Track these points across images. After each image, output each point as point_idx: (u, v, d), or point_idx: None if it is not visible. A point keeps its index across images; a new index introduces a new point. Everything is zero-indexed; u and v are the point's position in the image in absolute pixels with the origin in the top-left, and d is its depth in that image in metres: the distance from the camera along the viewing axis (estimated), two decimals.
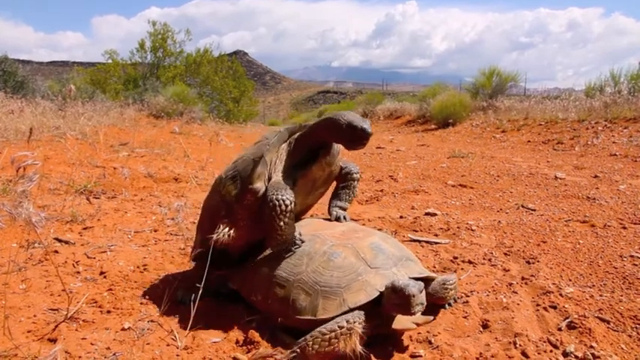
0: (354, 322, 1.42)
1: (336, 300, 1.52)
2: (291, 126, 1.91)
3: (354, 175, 2.03)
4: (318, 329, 1.42)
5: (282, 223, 1.66)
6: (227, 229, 1.74)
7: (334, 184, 2.10)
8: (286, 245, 1.73)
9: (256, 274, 1.78)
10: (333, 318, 1.48)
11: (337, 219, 2.00)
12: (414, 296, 1.41)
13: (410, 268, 1.63)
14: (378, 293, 1.49)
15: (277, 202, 1.64)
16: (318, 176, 1.86)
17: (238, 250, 1.92)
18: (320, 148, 1.79)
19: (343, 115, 1.64)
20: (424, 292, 1.48)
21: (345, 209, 2.05)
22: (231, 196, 1.78)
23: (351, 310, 1.48)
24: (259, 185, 1.73)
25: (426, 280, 1.69)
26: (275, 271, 1.71)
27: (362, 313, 1.46)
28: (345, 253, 1.63)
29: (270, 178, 1.77)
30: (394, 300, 1.45)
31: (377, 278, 1.55)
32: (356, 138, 1.63)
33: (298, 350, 1.41)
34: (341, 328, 1.40)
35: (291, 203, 1.66)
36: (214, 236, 1.72)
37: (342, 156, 2.02)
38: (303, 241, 1.75)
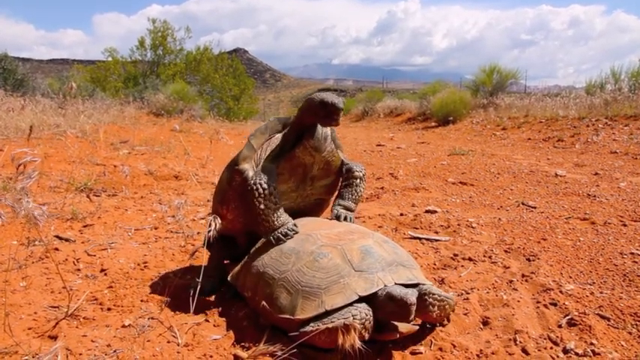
0: (363, 317, 1.43)
1: (314, 301, 1.51)
2: (284, 117, 1.99)
3: (356, 173, 2.03)
4: (330, 317, 1.44)
5: (262, 207, 1.76)
6: (217, 220, 1.81)
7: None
8: (275, 232, 1.79)
9: (248, 270, 1.80)
10: (309, 319, 1.48)
11: (337, 218, 1.99)
12: (413, 304, 1.41)
13: (398, 274, 1.60)
14: (356, 297, 1.48)
15: (254, 186, 1.76)
16: (307, 162, 1.87)
17: (241, 235, 2.01)
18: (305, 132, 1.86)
19: (318, 94, 1.76)
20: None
21: (349, 209, 2.03)
22: (226, 180, 1.93)
23: (327, 312, 1.47)
24: (245, 166, 1.86)
25: (418, 287, 1.65)
26: (264, 268, 1.72)
27: (366, 306, 1.46)
28: (331, 255, 1.62)
29: (258, 165, 1.88)
30: (391, 308, 1.46)
31: (359, 282, 1.53)
32: (328, 113, 1.71)
33: (309, 329, 1.43)
34: (353, 316, 1.42)
35: (268, 187, 1.76)
36: (209, 229, 1.79)
37: (344, 153, 2.03)
38: (296, 231, 1.80)
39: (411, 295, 1.43)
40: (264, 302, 1.63)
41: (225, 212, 1.95)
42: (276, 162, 1.85)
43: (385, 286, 1.52)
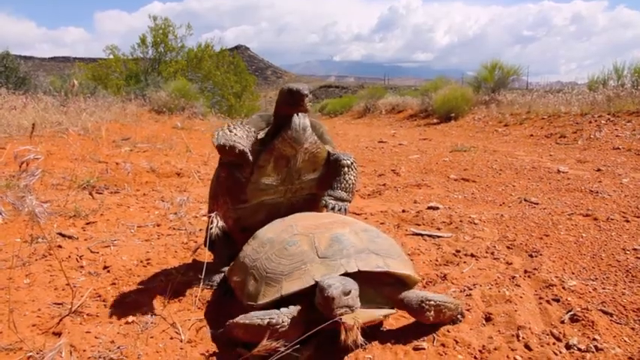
0: (282, 321, 1.39)
1: (275, 287, 1.52)
2: (266, 114, 2.01)
3: (343, 161, 2.01)
4: (253, 313, 1.43)
5: (228, 130, 1.85)
6: (219, 217, 1.83)
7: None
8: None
9: (236, 262, 1.82)
10: (268, 303, 1.49)
11: (326, 207, 1.98)
12: (333, 299, 1.35)
13: (366, 261, 1.54)
14: (313, 282, 1.46)
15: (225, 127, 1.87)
16: (289, 154, 1.88)
17: (236, 232, 2.02)
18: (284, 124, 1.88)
19: (287, 84, 1.84)
20: (355, 294, 1.43)
21: (339, 198, 2.01)
22: (215, 176, 2.01)
23: (282, 297, 1.47)
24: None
25: (402, 280, 1.62)
26: (244, 258, 1.74)
27: (293, 311, 1.43)
28: (300, 242, 1.62)
29: None
30: (318, 299, 1.40)
31: (320, 268, 1.51)
32: (294, 100, 1.80)
33: (229, 323, 1.44)
34: (271, 318, 1.39)
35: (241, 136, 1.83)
36: (212, 226, 1.80)
37: (338, 148, 2.03)
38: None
39: (335, 289, 1.35)
40: (238, 291, 1.66)
41: (217, 208, 1.97)
42: (258, 154, 1.87)
43: (346, 272, 1.49)
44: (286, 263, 1.57)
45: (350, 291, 1.40)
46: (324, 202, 2.00)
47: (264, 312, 1.43)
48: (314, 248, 1.58)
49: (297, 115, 1.83)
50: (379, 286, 1.59)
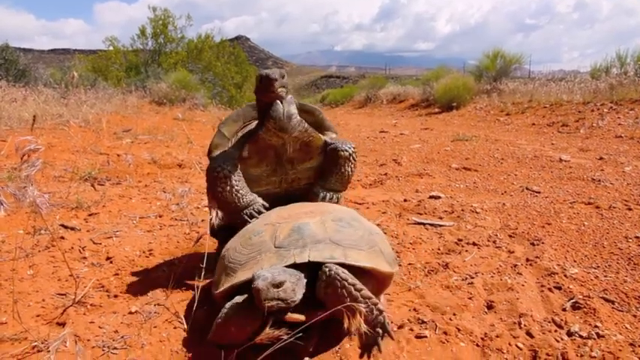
0: (228, 314, 1.39)
1: (232, 276, 1.52)
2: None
3: (341, 153, 1.90)
4: (217, 319, 1.43)
5: (219, 189, 1.79)
6: (217, 210, 1.84)
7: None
8: (246, 210, 1.82)
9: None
10: (223, 292, 1.50)
11: (316, 195, 1.94)
12: (259, 291, 1.27)
13: (320, 252, 1.45)
14: None
15: (209, 171, 1.80)
16: (276, 143, 1.80)
17: (234, 223, 1.98)
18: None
19: (260, 69, 1.78)
20: (289, 286, 1.33)
21: (332, 189, 1.96)
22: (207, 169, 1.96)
23: (234, 286, 1.47)
24: (217, 154, 1.87)
25: (375, 274, 1.53)
26: (224, 247, 1.75)
27: (238, 300, 1.41)
28: (264, 232, 1.60)
29: None
30: (253, 291, 1.31)
31: (272, 258, 1.47)
32: (263, 86, 1.70)
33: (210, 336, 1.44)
34: (222, 315, 1.40)
35: (222, 170, 1.77)
36: (211, 217, 1.82)
37: (342, 136, 2.00)
38: (260, 212, 1.82)
39: (261, 281, 1.28)
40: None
41: (213, 200, 1.94)
42: (242, 147, 1.81)
43: (294, 262, 1.43)
44: (245, 253, 1.56)
45: (281, 283, 1.31)
46: (314, 192, 1.96)
47: (220, 312, 1.42)
48: (273, 238, 1.55)
49: (281, 102, 1.73)
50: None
